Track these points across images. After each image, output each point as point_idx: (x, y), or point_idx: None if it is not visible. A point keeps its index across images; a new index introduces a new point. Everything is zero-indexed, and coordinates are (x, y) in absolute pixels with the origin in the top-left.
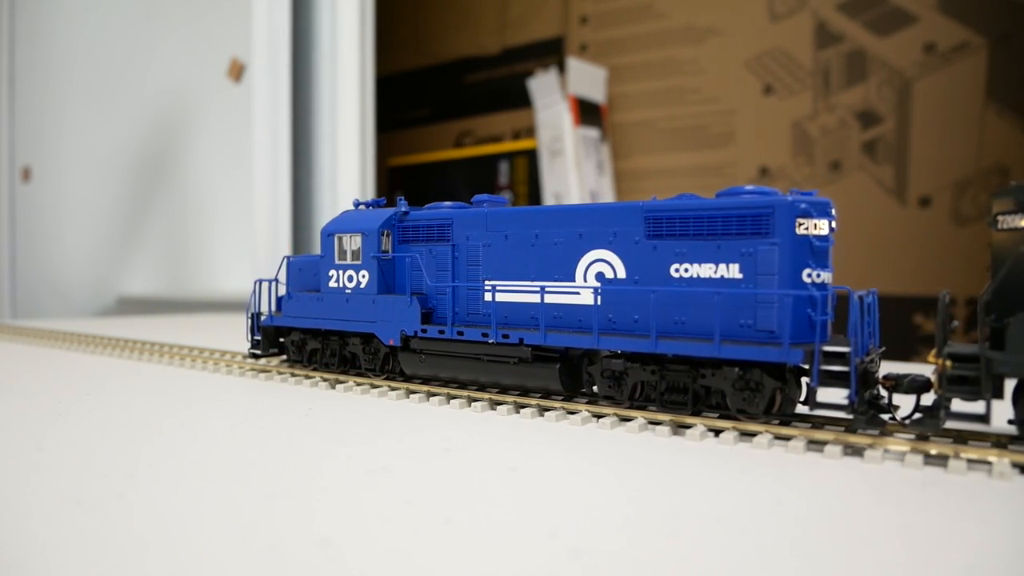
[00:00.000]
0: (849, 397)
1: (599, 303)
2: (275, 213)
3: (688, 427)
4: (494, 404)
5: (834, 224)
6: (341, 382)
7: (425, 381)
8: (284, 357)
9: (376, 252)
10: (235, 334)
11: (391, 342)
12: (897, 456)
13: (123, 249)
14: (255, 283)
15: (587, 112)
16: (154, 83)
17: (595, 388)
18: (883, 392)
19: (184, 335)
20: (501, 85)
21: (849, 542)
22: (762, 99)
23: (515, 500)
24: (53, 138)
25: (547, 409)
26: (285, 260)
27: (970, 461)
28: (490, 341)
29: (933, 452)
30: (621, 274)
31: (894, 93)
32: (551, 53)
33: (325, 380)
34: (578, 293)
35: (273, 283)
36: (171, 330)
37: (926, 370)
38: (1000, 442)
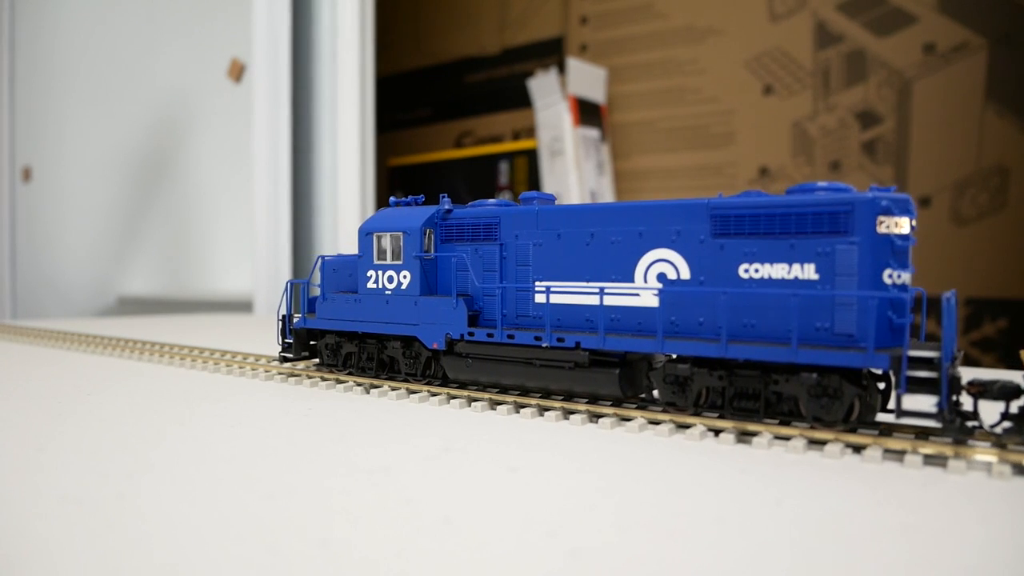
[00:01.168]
0: (939, 404)
1: (662, 305)
2: (275, 213)
3: (688, 427)
4: (494, 404)
5: (914, 222)
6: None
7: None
8: (316, 361)
9: (418, 252)
10: (235, 334)
11: (435, 346)
12: (897, 456)
13: (123, 249)
14: (287, 284)
15: (587, 112)
16: (154, 83)
17: (655, 394)
18: (966, 399)
19: (184, 335)
20: (501, 85)
21: (849, 542)
22: (762, 99)
23: (515, 500)
24: (53, 138)
25: (547, 409)
26: (319, 260)
27: (970, 461)
28: (544, 345)
29: (933, 452)
30: (685, 274)
31: (894, 93)
32: (551, 53)
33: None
34: (637, 295)
35: (305, 284)
36: (171, 330)
37: (1013, 376)
38: (1000, 442)
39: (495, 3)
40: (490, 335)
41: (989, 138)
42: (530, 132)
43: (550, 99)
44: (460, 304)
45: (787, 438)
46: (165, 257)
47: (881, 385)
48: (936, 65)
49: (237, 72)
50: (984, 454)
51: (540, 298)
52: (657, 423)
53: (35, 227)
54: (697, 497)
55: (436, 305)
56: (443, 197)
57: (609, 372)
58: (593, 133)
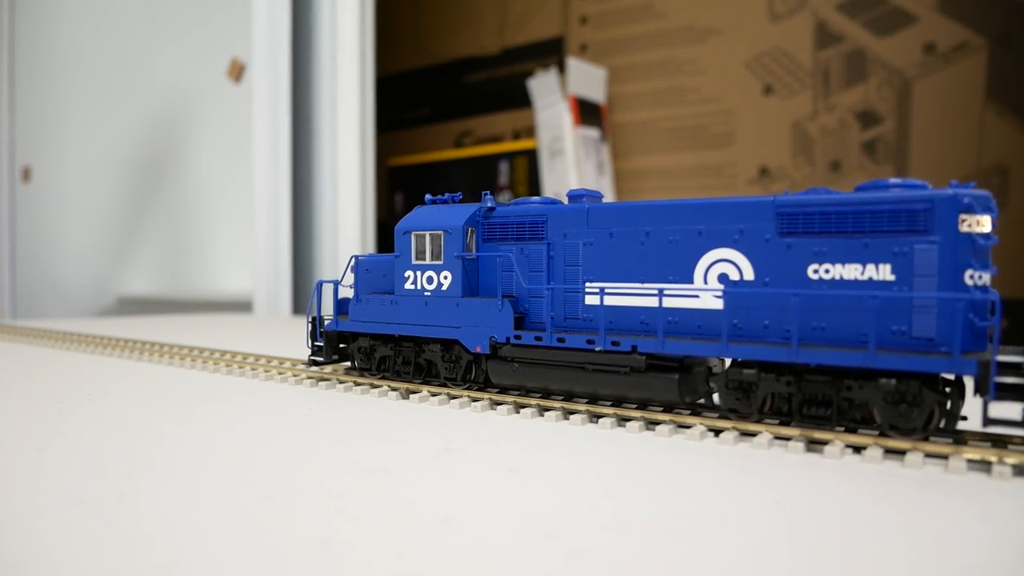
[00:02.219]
0: None
1: (726, 307)
2: (275, 213)
3: (688, 427)
4: (494, 404)
5: (995, 220)
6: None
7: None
8: (347, 365)
9: (460, 251)
10: (235, 334)
11: (478, 349)
12: (897, 456)
13: (123, 249)
14: (316, 284)
15: (587, 112)
16: (154, 83)
17: (715, 399)
18: None
19: (184, 335)
20: (501, 85)
21: (849, 542)
22: (762, 99)
23: (515, 500)
24: (53, 138)
25: (547, 409)
26: (353, 260)
27: (970, 461)
28: (597, 349)
29: (933, 452)
30: (748, 275)
31: (894, 93)
32: (551, 53)
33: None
34: (697, 296)
35: (336, 285)
36: (171, 330)
37: None
38: (1000, 442)
39: (495, 3)
40: (538, 338)
41: (989, 138)
42: (530, 132)
43: (550, 99)
44: (506, 306)
45: (787, 438)
46: (165, 257)
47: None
48: (936, 65)
49: (237, 72)
50: (984, 454)
51: (591, 300)
52: (657, 423)
53: (35, 227)
54: (697, 497)
55: (480, 307)
56: (486, 195)
57: (668, 377)
58: (593, 133)
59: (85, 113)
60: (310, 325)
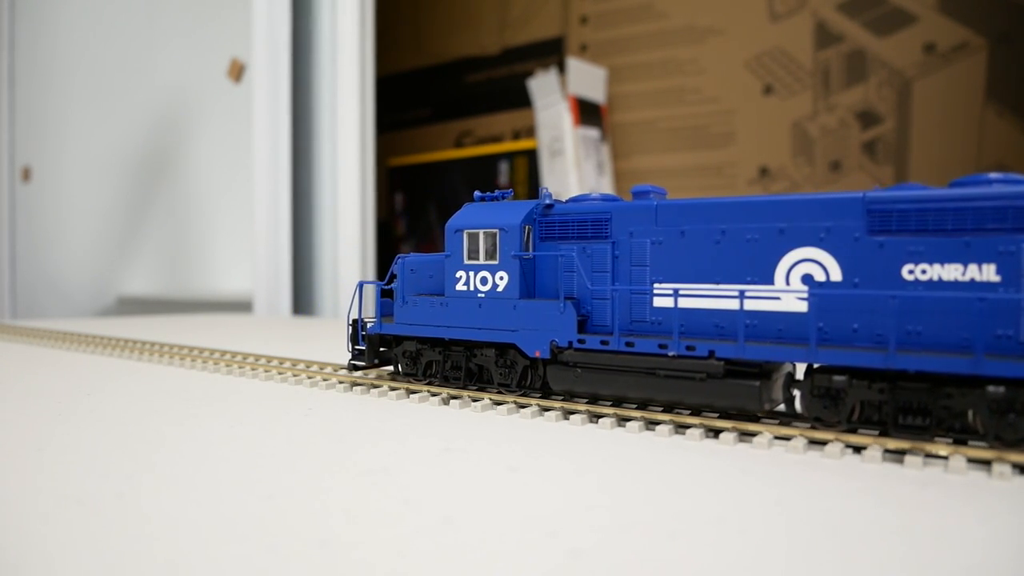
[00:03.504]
0: None
1: (812, 310)
2: (275, 213)
3: (688, 427)
4: (494, 404)
5: None
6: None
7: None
8: (390, 370)
9: (518, 250)
10: (235, 334)
11: (536, 354)
12: (897, 456)
13: (123, 249)
14: (357, 285)
15: (587, 112)
16: (154, 83)
17: (797, 407)
18: None
19: (184, 335)
20: (501, 85)
21: (849, 542)
22: (762, 99)
23: (515, 500)
24: (53, 138)
25: (547, 409)
26: (398, 260)
27: (970, 461)
28: (670, 354)
29: (933, 452)
30: (835, 276)
31: (894, 93)
32: (551, 53)
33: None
34: (778, 298)
35: (379, 287)
36: (171, 330)
37: None
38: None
39: (495, 3)
40: (604, 342)
41: (989, 138)
42: (530, 132)
43: (550, 99)
44: (568, 308)
45: (787, 438)
46: (165, 257)
47: None
48: (936, 65)
49: (237, 72)
50: (984, 454)
51: (660, 301)
52: (657, 423)
53: (35, 227)
54: (697, 497)
55: (540, 309)
56: (544, 191)
57: (748, 384)
58: (593, 133)
59: (85, 113)
60: (350, 328)
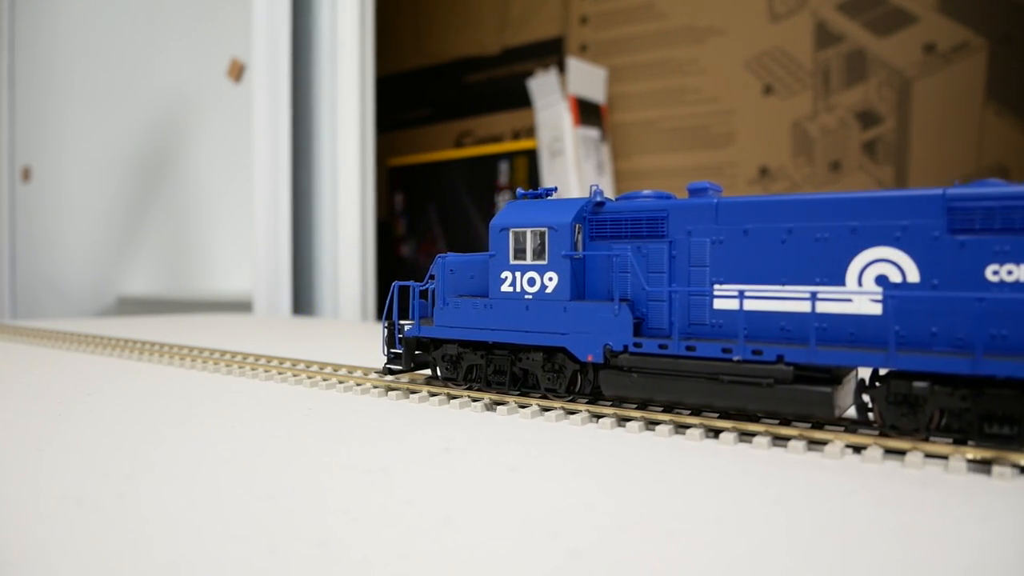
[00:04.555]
0: None
1: (888, 312)
2: (275, 213)
3: (688, 427)
4: (494, 404)
5: None
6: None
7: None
8: (427, 374)
9: (568, 250)
10: (235, 334)
11: (589, 359)
12: (897, 456)
13: (123, 249)
14: (393, 286)
15: (587, 112)
16: (154, 83)
17: (870, 416)
18: None
19: (184, 335)
20: (501, 85)
21: (849, 542)
22: (762, 99)
23: (515, 500)
24: (53, 138)
25: (547, 409)
26: (438, 260)
27: (970, 461)
28: (735, 359)
29: (933, 452)
30: (912, 277)
31: (894, 93)
32: (551, 53)
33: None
34: (850, 300)
35: (415, 288)
36: (171, 330)
37: None
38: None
39: (495, 3)
40: (663, 346)
41: (989, 138)
42: (530, 132)
43: (550, 99)
44: (623, 310)
45: (787, 438)
46: (165, 257)
47: None
48: (936, 65)
49: (237, 72)
50: (984, 454)
51: (722, 303)
52: (657, 423)
53: (35, 227)
54: (697, 497)
55: (592, 312)
56: (595, 188)
57: (820, 390)
58: (593, 133)
59: (85, 113)
60: (386, 331)
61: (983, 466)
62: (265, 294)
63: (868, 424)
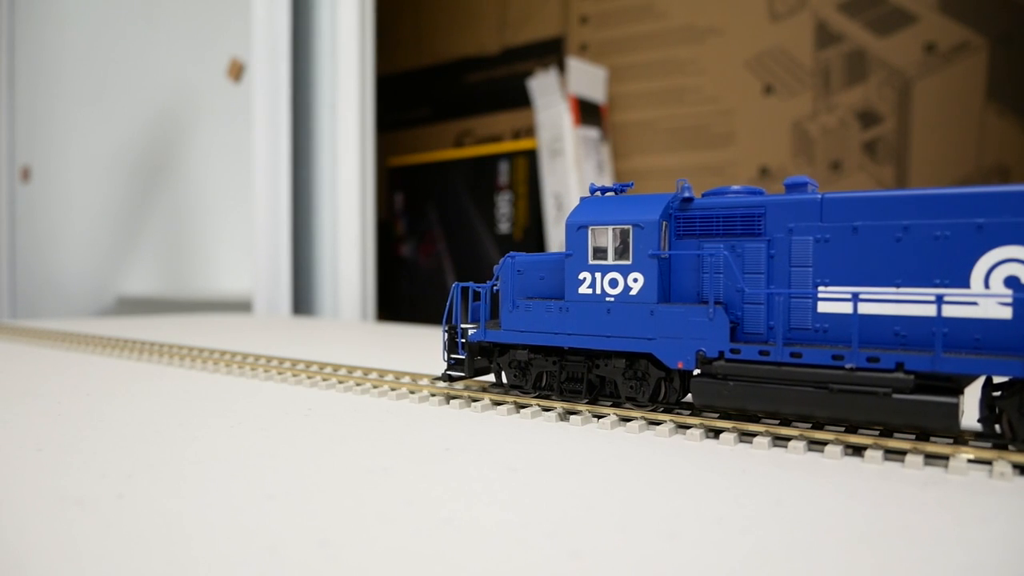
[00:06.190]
0: None
1: (1015, 316)
2: (275, 213)
3: (688, 427)
4: (494, 404)
5: None
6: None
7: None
8: (490, 381)
9: (655, 249)
10: (235, 334)
11: (679, 365)
12: (897, 456)
13: (123, 249)
14: (454, 288)
15: (587, 112)
16: (154, 83)
17: (997, 428)
18: None
19: (184, 335)
20: (501, 85)
21: (849, 542)
22: (762, 99)
23: (515, 500)
24: (53, 138)
25: (547, 409)
26: (505, 260)
27: (970, 461)
28: (848, 367)
29: (933, 452)
30: None
31: (894, 93)
32: (551, 53)
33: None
34: (975, 303)
35: (486, 290)
36: (171, 330)
37: None
38: (1001, 442)
39: (495, 3)
40: (764, 353)
41: (989, 138)
42: (530, 132)
43: (550, 99)
44: (719, 314)
45: (787, 438)
46: (165, 257)
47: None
48: (936, 65)
49: (237, 72)
50: (984, 454)
51: (826, 307)
52: (657, 423)
53: (35, 227)
54: (697, 497)
55: (683, 315)
56: (683, 183)
57: (945, 401)
58: (593, 133)
59: (85, 113)
60: (446, 335)
61: (983, 466)
62: (265, 294)
63: (996, 437)
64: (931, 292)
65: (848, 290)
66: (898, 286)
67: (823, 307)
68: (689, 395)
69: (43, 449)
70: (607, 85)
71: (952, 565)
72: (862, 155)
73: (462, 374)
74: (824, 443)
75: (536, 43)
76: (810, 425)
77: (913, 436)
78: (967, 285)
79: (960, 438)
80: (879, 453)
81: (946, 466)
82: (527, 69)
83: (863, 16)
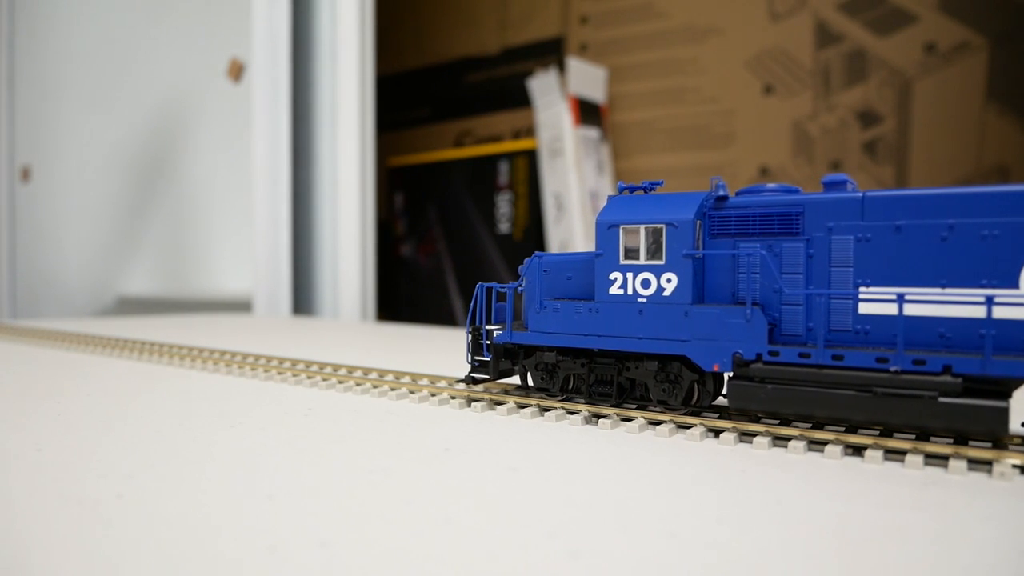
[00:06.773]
0: None
1: None
2: (275, 213)
3: (688, 427)
4: (494, 404)
5: None
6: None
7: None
8: (515, 384)
9: (689, 249)
10: (235, 334)
11: (715, 368)
12: (897, 456)
13: (122, 249)
14: (478, 288)
15: (587, 112)
16: (154, 83)
17: None
18: None
19: (184, 335)
20: (501, 85)
21: (849, 542)
22: (762, 99)
23: (515, 500)
24: (53, 138)
25: (547, 409)
26: (531, 260)
27: (970, 461)
28: (892, 369)
29: (933, 452)
30: None
31: (894, 93)
32: (551, 53)
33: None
34: (1021, 304)
35: (510, 291)
36: (171, 330)
37: None
38: (1001, 442)
39: (495, 3)
40: (804, 355)
41: (989, 138)
42: (530, 132)
43: (550, 99)
44: (756, 315)
45: (787, 438)
46: (165, 257)
47: None
48: (936, 65)
49: (237, 72)
50: (984, 454)
51: (868, 308)
52: (657, 423)
53: (35, 227)
54: (697, 497)
55: (719, 317)
56: (718, 181)
57: (995, 405)
58: (593, 133)
59: (85, 113)
60: (470, 337)
61: (983, 466)
62: (265, 294)
63: None
64: (980, 293)
65: (893, 291)
66: (943, 287)
67: (864, 308)
68: (720, 398)
69: (43, 449)
70: (607, 85)
71: (952, 565)
72: (862, 155)
73: (486, 376)
74: (824, 443)
75: (536, 43)
76: (810, 425)
77: (913, 436)
78: (1015, 286)
79: (961, 439)
80: (879, 453)
81: (946, 466)
82: (527, 69)
83: (863, 16)
